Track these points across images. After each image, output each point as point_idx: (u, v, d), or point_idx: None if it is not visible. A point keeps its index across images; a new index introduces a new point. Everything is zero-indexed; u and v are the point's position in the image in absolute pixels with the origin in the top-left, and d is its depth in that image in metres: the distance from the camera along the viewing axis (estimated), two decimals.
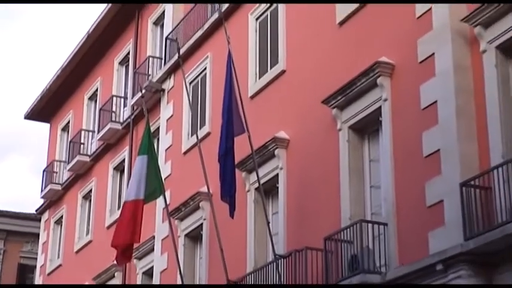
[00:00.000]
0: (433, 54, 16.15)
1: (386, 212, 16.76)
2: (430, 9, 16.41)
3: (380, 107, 17.29)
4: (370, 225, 16.67)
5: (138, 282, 27.04)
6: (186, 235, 23.35)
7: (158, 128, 26.17)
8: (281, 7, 21.33)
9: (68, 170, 33.61)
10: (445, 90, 15.75)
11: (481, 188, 14.62)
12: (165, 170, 24.16)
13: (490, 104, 15.16)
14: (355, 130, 18.09)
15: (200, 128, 22.64)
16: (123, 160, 29.60)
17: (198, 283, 22.73)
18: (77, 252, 32.29)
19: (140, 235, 20.50)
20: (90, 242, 31.40)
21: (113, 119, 30.22)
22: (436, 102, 15.91)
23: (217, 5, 23.82)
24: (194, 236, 23.26)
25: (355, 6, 18.58)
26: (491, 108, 15.11)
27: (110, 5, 30.81)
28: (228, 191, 18.34)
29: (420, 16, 16.66)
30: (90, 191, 32.19)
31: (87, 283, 30.32)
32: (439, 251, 14.88)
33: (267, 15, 21.92)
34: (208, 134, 22.67)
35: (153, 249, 24.98)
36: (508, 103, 15.05)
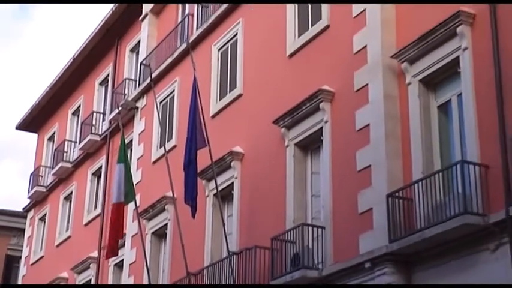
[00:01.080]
0: (367, 84, 16.23)
1: (324, 217, 16.78)
2: (365, 46, 16.48)
3: (321, 128, 17.31)
4: (310, 228, 16.69)
5: (110, 273, 26.83)
6: (152, 233, 23.26)
7: (132, 140, 26.02)
8: (240, 40, 21.36)
9: (52, 174, 33.34)
10: (376, 116, 15.83)
11: (404, 198, 14.77)
12: (136, 176, 24.09)
13: (413, 128, 15.36)
14: (300, 147, 18.10)
15: (168, 141, 22.57)
16: (100, 167, 29.51)
17: (161, 275, 22.62)
18: (58, 245, 32.04)
19: (122, 232, 20.62)
20: (69, 237, 31.16)
21: (93, 131, 30.15)
22: (368, 125, 15.97)
23: (185, 36, 23.82)
24: (160, 234, 23.17)
25: (303, 41, 18.59)
26: (414, 131, 15.31)
27: (93, 32, 30.70)
28: (191, 196, 18.33)
29: (357, 52, 16.72)
30: (71, 193, 31.99)
31: (65, 273, 30.21)
32: (367, 251, 15.03)
33: (228, 46, 21.96)
34: (174, 146, 22.56)
35: (124, 245, 24.79)
36: (428, 128, 15.27)
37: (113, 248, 20.60)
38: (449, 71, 15.09)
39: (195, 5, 24.46)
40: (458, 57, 14.74)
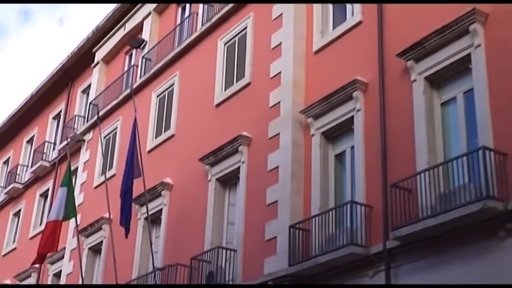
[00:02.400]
0: (279, 133, 16.39)
1: (236, 241, 16.80)
2: (279, 102, 16.69)
3: (239, 167, 17.42)
4: (224, 250, 16.76)
5: (49, 282, 26.35)
6: (89, 248, 22.97)
7: (77, 168, 25.79)
8: (176, 89, 21.37)
9: (4, 194, 32.83)
10: (285, 160, 15.97)
11: (303, 229, 14.89)
12: (79, 199, 23.72)
13: (314, 172, 15.56)
14: (220, 182, 18.15)
15: (108, 170, 22.39)
16: (48, 189, 29.13)
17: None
18: (4, 255, 31.32)
19: (58, 246, 20.44)
20: (15, 248, 30.58)
21: (43, 158, 29.81)
22: (278, 167, 16.12)
23: (130, 83, 23.71)
24: (95, 249, 22.88)
25: (228, 94, 18.73)
26: (315, 174, 15.51)
27: (51, 73, 30.51)
28: (126, 219, 18.09)
29: (272, 106, 16.91)
30: (20, 210, 31.43)
31: (8, 280, 29.52)
32: (270, 272, 15.15)
33: (165, 94, 21.94)
34: (113, 175, 22.38)
35: (63, 257, 24.37)
36: (326, 172, 15.51)
37: (41, 257, 20.33)
38: (345, 128, 15.35)
39: (140, 57, 24.54)
40: (353, 116, 15.06)
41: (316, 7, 17.27)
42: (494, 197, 11.41)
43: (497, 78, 12.40)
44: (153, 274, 18.14)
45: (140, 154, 18.56)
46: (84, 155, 25.83)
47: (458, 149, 12.87)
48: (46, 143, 30.62)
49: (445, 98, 13.65)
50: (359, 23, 15.86)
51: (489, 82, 12.50)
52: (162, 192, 20.01)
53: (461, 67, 13.26)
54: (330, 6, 17.26)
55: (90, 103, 26.62)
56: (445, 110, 13.60)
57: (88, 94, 28.22)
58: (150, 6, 24.66)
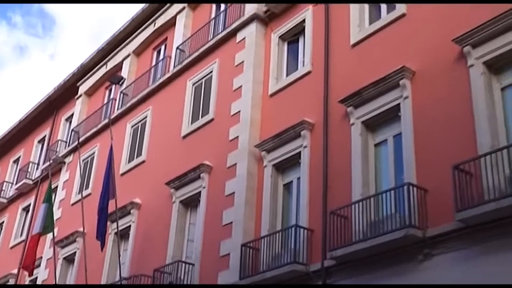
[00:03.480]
0: (236, 164, 16.49)
1: (195, 256, 16.74)
2: (238, 136, 16.75)
3: (200, 191, 17.42)
4: (183, 264, 16.69)
5: None
6: (64, 258, 22.65)
7: (57, 186, 25.58)
8: (148, 121, 21.30)
9: None
10: (240, 187, 16.03)
11: (253, 248, 14.90)
12: (57, 214, 23.49)
13: (264, 198, 15.61)
14: (183, 203, 18.08)
15: (85, 190, 22.11)
16: (29, 204, 28.68)
17: None
18: None
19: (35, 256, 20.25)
20: None
21: (27, 176, 29.45)
22: (234, 193, 16.15)
23: (108, 114, 23.63)
24: (69, 259, 22.57)
25: (194, 127, 18.73)
26: (265, 201, 15.56)
27: (39, 102, 30.22)
28: (101, 234, 17.92)
29: (231, 140, 16.95)
30: (3, 222, 30.80)
31: None
32: (224, 284, 15.12)
33: (139, 125, 21.86)
34: (89, 194, 22.23)
35: (39, 265, 24.30)
36: (275, 199, 15.55)
37: (28, 266, 20.12)
38: (294, 161, 15.46)
39: (118, 92, 24.54)
40: (300, 152, 15.23)
41: (273, 57, 17.52)
42: (416, 226, 11.66)
43: (421, 125, 12.72)
44: (120, 283, 17.93)
45: (114, 177, 18.38)
46: (64, 175, 25.57)
47: (388, 184, 13.09)
48: (30, 163, 30.20)
49: (378, 140, 13.87)
50: (308, 73, 16.12)
51: (414, 128, 12.82)
52: (132, 211, 19.90)
53: (392, 114, 13.55)
54: (285, 56, 17.51)
55: (72, 130, 26.43)
56: (377, 150, 13.83)
57: (71, 122, 27.96)
58: (129, 49, 24.73)
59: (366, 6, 15.60)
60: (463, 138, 11.82)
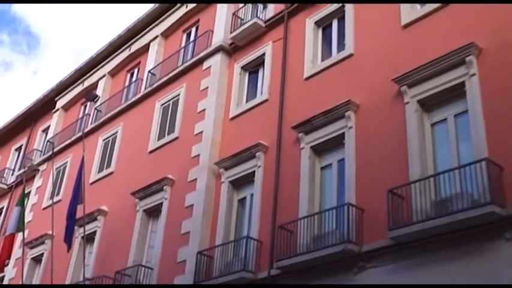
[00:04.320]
0: (196, 179, 16.47)
1: (154, 262, 16.58)
2: (199, 154, 16.73)
3: (162, 202, 17.29)
4: (143, 268, 16.55)
5: None
6: (32, 258, 22.10)
7: (30, 191, 25.14)
8: (119, 136, 21.05)
9: None
10: (199, 200, 16.00)
11: (208, 256, 14.87)
12: (28, 217, 23.06)
13: (220, 211, 15.58)
14: (146, 213, 17.91)
15: (56, 196, 21.81)
16: (3, 207, 28.05)
17: None
18: None
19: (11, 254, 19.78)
20: None
21: (2, 181, 28.83)
22: (193, 205, 16.11)
23: (82, 127, 23.34)
24: (37, 260, 22.04)
25: (159, 144, 18.55)
26: (221, 213, 15.53)
27: (18, 114, 29.66)
28: (69, 237, 17.77)
29: (193, 157, 16.90)
30: None
31: None
32: None
33: (110, 139, 21.59)
34: (60, 200, 21.75)
35: (8, 265, 23.61)
36: (230, 213, 15.55)
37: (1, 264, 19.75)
38: (248, 179, 15.47)
39: (93, 108, 24.20)
40: (254, 171, 15.26)
41: (235, 84, 17.60)
42: (353, 242, 11.83)
43: (362, 152, 12.92)
44: (83, 282, 17.64)
45: (84, 186, 18.22)
46: (38, 182, 25.10)
47: (331, 203, 13.27)
48: (6, 169, 29.59)
49: (324, 163, 14.04)
50: (266, 100, 16.25)
51: (356, 155, 13.03)
52: (98, 217, 19.61)
53: (338, 141, 13.74)
54: (246, 84, 17.60)
55: (48, 141, 25.98)
56: (323, 172, 13.98)
57: (47, 133, 27.46)
58: (105, 70, 24.54)
59: (320, 44, 15.87)
60: (397, 165, 12.03)
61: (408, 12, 13.56)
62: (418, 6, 13.61)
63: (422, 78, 12.21)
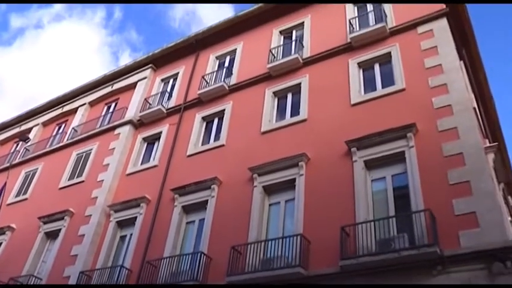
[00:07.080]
0: (91, 215, 15.39)
1: (44, 274, 14.98)
2: (97, 197, 15.75)
3: (60, 229, 15.87)
4: (34, 278, 15.03)
5: None
6: None
7: None
8: (38, 172, 19.29)
9: None
10: (90, 231, 14.87)
11: (88, 276, 13.78)
12: None
13: (104, 243, 14.49)
14: (46, 234, 16.26)
15: None
16: None
17: None
18: None
19: None
20: None
21: None
22: (84, 234, 15.01)
23: (10, 161, 21.22)
24: None
25: (69, 183, 17.26)
26: (104, 245, 14.44)
27: None
28: None
29: (92, 198, 15.87)
30: None
31: None
32: None
33: (30, 173, 19.70)
34: None
35: None
36: (111, 245, 14.50)
37: None
38: (131, 221, 14.60)
39: (23, 147, 22.23)
40: (137, 216, 14.47)
41: (135, 150, 16.96)
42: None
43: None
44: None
45: (1, 205, 16.68)
46: None
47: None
48: None
49: (189, 220, 13.56)
50: (155, 166, 15.79)
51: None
52: (6, 232, 17.47)
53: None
54: (143, 151, 16.99)
55: None
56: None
57: None
58: (39, 120, 22.86)
59: (202, 134, 15.82)
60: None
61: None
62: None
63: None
